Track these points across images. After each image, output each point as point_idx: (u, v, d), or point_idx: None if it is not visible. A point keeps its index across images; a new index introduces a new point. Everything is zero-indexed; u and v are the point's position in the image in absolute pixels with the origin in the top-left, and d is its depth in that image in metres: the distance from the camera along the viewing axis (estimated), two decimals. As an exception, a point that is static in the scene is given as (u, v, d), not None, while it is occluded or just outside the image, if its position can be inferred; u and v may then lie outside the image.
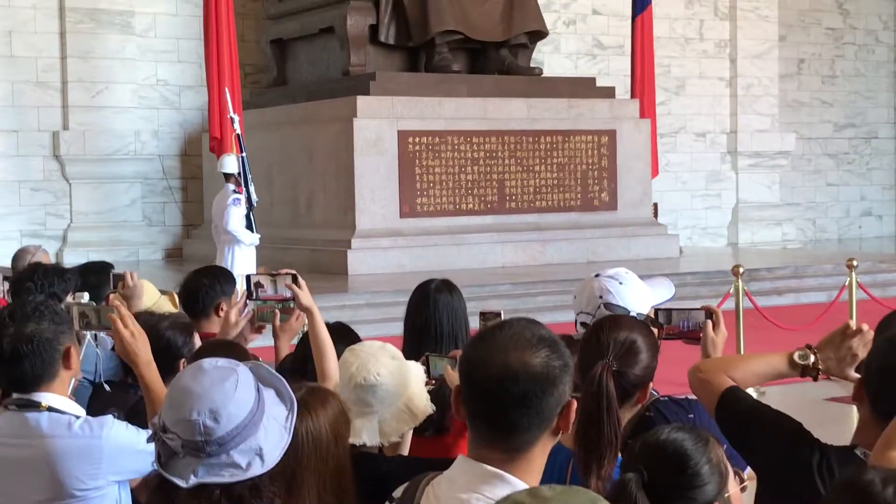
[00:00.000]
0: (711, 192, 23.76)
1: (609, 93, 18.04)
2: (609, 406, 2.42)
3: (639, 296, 3.34)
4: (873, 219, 27.04)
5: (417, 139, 16.01)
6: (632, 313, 3.20)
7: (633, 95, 18.56)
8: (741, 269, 9.77)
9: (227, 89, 14.16)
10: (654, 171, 18.46)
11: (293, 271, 3.96)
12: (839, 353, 2.71)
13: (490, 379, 2.09)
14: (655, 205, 18.76)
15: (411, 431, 3.11)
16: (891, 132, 27.10)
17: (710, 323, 3.24)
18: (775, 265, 16.86)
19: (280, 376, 2.27)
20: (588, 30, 22.38)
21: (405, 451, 3.11)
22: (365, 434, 2.92)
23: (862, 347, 2.68)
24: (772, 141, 24.04)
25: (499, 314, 3.94)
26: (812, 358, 2.74)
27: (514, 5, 17.20)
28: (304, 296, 3.82)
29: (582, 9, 22.32)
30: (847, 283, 10.24)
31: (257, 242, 12.25)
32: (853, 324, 2.74)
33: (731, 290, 9.80)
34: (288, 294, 3.87)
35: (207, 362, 2.21)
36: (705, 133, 23.71)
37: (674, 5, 23.07)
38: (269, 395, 2.22)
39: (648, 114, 18.32)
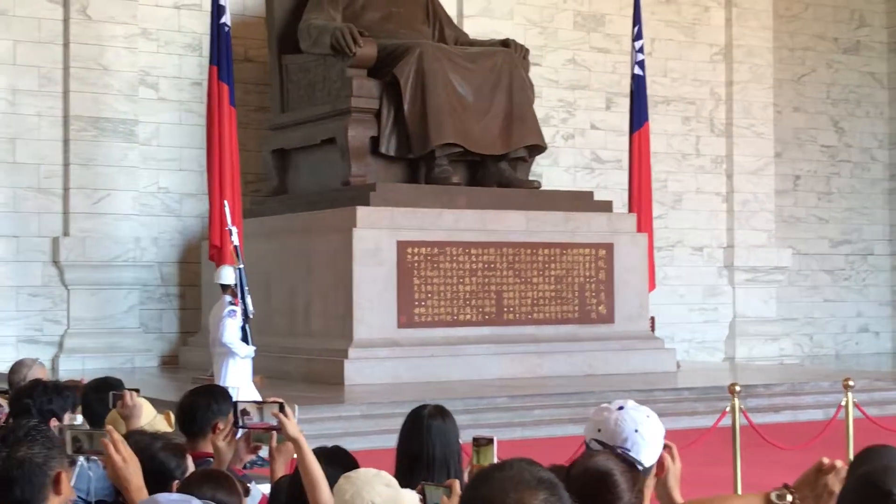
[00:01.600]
0: (708, 307, 23.81)
1: (606, 206, 18.19)
2: None
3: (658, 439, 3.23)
4: (870, 335, 27.04)
5: (416, 250, 16.10)
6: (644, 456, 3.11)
7: (630, 209, 18.72)
8: (737, 388, 9.74)
9: (226, 202, 14.28)
10: (651, 285, 18.52)
11: (280, 400, 3.96)
12: (815, 491, 2.71)
13: None
14: (653, 318, 18.77)
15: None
16: (886, 249, 27.26)
17: (667, 456, 3.21)
18: (772, 381, 16.81)
19: None
20: (586, 144, 22.67)
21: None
22: (360, 562, 2.90)
23: (838, 484, 2.68)
24: (768, 256, 24.18)
25: (491, 440, 3.92)
26: (789, 497, 2.74)
27: (514, 120, 17.44)
28: (291, 426, 3.80)
29: (580, 124, 22.64)
30: (844, 404, 10.21)
31: (253, 355, 12.25)
32: (827, 460, 2.74)
33: (728, 409, 9.76)
34: (274, 422, 3.85)
35: (163, 497, 2.19)
36: (702, 247, 23.85)
37: (671, 122, 23.41)
38: None
39: (645, 228, 18.44)
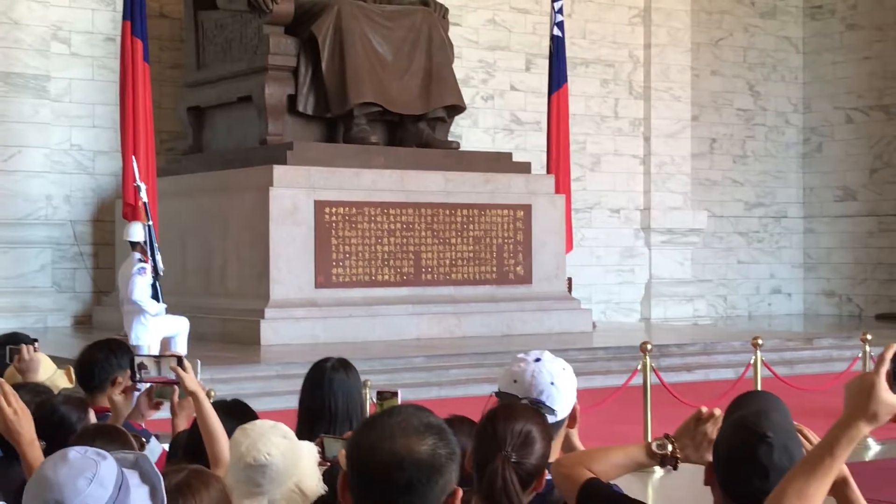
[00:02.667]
0: (625, 268, 24.06)
1: (525, 168, 18.24)
2: (510, 501, 2.42)
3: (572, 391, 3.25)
4: (783, 296, 27.55)
5: (334, 210, 16.01)
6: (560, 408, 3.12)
7: (548, 171, 18.79)
8: (649, 346, 9.86)
9: (133, 157, 14.06)
10: (569, 246, 18.65)
11: (178, 353, 3.91)
12: (695, 440, 2.74)
13: (376, 466, 2.08)
14: (570, 279, 18.92)
15: (306, 512, 3.06)
16: (799, 212, 27.74)
17: (578, 408, 3.24)
18: (685, 341, 17.04)
19: (160, 475, 2.21)
20: (506, 105, 22.68)
21: (300, 532, 3.06)
22: (254, 515, 2.88)
23: (715, 431, 2.72)
24: (684, 218, 24.46)
25: (395, 393, 3.92)
26: (670, 447, 2.77)
27: (433, 80, 17.38)
28: (189, 379, 3.76)
29: (500, 85, 22.64)
30: (752, 362, 10.39)
31: (163, 313, 12.11)
32: (705, 409, 2.77)
33: (640, 367, 9.88)
34: (172, 376, 3.81)
35: (75, 451, 2.15)
36: (619, 209, 24.05)
37: (590, 84, 23.51)
38: (139, 493, 2.16)
39: (563, 189, 18.53)
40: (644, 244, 24.26)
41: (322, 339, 15.31)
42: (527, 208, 17.67)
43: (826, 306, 27.47)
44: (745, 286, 26.87)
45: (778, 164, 27.35)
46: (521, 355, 3.21)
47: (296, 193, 15.77)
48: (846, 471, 2.40)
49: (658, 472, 8.58)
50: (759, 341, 10.48)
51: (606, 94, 23.87)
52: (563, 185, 18.63)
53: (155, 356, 3.95)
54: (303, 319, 15.54)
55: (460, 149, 18.26)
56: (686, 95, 24.58)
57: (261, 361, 13.97)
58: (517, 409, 2.83)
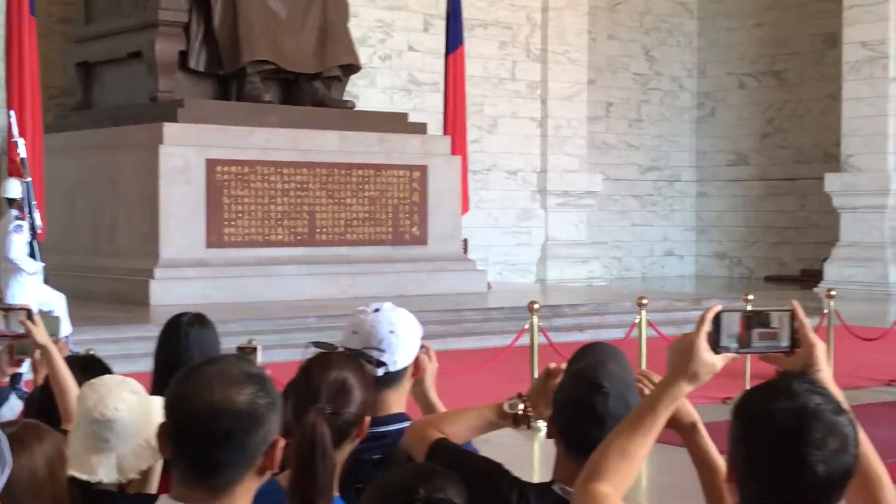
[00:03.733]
0: (522, 230, 24.22)
1: (421, 128, 18.20)
2: (324, 453, 2.40)
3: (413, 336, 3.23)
4: (675, 258, 28.01)
5: (226, 168, 15.81)
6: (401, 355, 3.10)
7: (445, 132, 18.77)
8: (537, 306, 9.94)
9: (12, 112, 13.69)
10: (465, 208, 18.69)
11: (28, 306, 3.82)
12: (546, 397, 2.75)
13: (193, 416, 2.05)
14: (465, 240, 18.98)
15: (160, 467, 3.02)
16: (693, 175, 28.17)
17: (424, 357, 3.23)
18: (578, 302, 17.23)
19: (3, 434, 2.15)
20: (403, 65, 22.59)
21: (153, 488, 3.01)
22: (101, 471, 2.82)
23: None
24: (580, 181, 24.69)
25: (255, 349, 3.87)
26: (521, 406, 2.78)
27: (328, 38, 17.21)
28: (39, 333, 3.68)
29: (397, 45, 22.53)
30: (637, 322, 10.54)
31: (41, 271, 11.84)
32: (553, 365, 2.79)
33: (527, 326, 9.96)
34: (21, 330, 3.72)
35: None
36: (516, 171, 24.17)
37: (487, 45, 23.51)
38: None
39: (460, 151, 18.54)
40: (540, 206, 24.43)
41: (213, 300, 15.12)
42: (423, 169, 17.64)
43: (717, 268, 28.01)
44: (639, 248, 27.26)
45: (672, 128, 27.72)
46: (361, 307, 3.19)
47: (186, 152, 15.52)
48: (696, 416, 2.43)
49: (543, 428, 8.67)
50: (645, 301, 10.62)
51: (504, 57, 23.90)
52: (459, 147, 18.63)
53: (3, 308, 3.85)
54: (194, 279, 15.34)
55: (356, 108, 18.14)
56: (583, 59, 24.73)
57: (150, 321, 13.75)
58: (332, 359, 2.80)
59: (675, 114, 27.76)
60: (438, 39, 20.78)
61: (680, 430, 2.41)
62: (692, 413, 2.41)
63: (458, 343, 14.36)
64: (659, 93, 27.42)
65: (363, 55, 19.46)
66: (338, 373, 2.73)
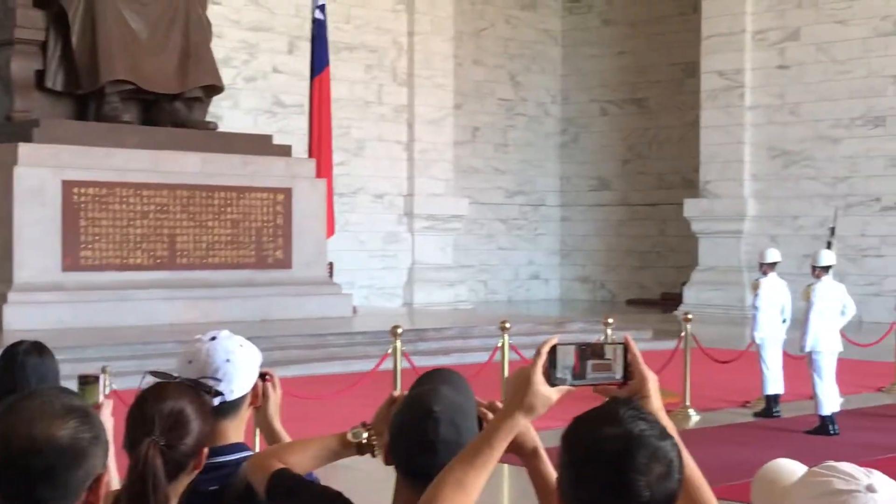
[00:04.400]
0: (388, 253, 24.20)
1: (286, 151, 18.06)
2: (156, 486, 2.32)
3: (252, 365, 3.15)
4: (541, 282, 28.33)
5: (83, 190, 15.42)
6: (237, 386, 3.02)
7: (310, 155, 18.66)
8: (400, 330, 9.90)
9: None
10: (330, 231, 18.59)
11: None
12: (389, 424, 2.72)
13: (13, 451, 1.97)
14: (331, 264, 18.87)
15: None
16: (557, 200, 28.56)
17: (267, 385, 3.17)
18: (443, 325, 17.26)
19: None
20: (268, 87, 22.41)
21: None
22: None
23: None
24: (446, 205, 24.80)
25: (97, 378, 3.74)
26: (365, 434, 2.75)
27: (190, 58, 16.97)
28: None
29: (262, 66, 22.35)
30: (500, 345, 10.59)
31: None
32: (396, 393, 2.76)
33: (391, 351, 9.91)
34: None
35: None
36: (383, 195, 24.16)
37: (353, 68, 23.49)
38: None
39: (325, 173, 18.45)
40: (407, 230, 24.47)
41: (69, 324, 14.73)
42: (287, 192, 17.50)
43: (581, 292, 28.42)
44: (504, 272, 27.50)
45: (537, 153, 28.09)
46: (197, 336, 3.11)
47: (42, 172, 15.10)
48: (538, 442, 2.42)
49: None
50: (507, 325, 10.68)
51: (370, 80, 23.91)
52: (324, 170, 18.54)
53: None
54: (49, 304, 14.90)
55: (219, 130, 17.90)
56: (449, 83, 24.90)
57: (2, 347, 13.30)
58: (168, 389, 2.72)
59: (540, 139, 28.13)
60: (303, 61, 20.68)
61: (522, 455, 2.40)
62: (535, 439, 2.40)
63: (322, 368, 14.25)
64: (524, 118, 27.76)
65: (226, 76, 19.25)
66: (174, 403, 2.64)
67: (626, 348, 2.17)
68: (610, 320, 11.67)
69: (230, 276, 16.87)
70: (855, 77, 22.25)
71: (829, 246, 13.23)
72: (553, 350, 2.15)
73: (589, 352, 2.16)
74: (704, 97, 24.26)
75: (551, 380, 2.13)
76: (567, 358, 2.15)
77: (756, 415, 11.37)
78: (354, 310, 18.52)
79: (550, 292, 28.43)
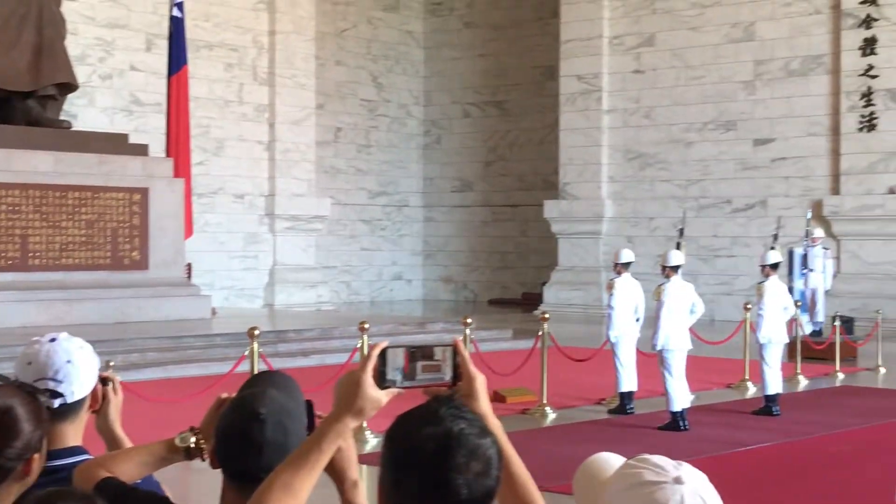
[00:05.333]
0: (249, 254, 23.97)
1: (142, 150, 17.74)
2: None
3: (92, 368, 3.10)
4: (404, 283, 28.41)
5: (-71, 190, 14.90)
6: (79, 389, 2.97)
7: (168, 154, 18.38)
8: (257, 332, 9.83)
9: None
10: (189, 231, 18.33)
11: None
12: None
13: None
14: (189, 265, 18.60)
15: None
16: (420, 201, 28.69)
17: (108, 389, 3.13)
18: (304, 327, 17.18)
19: None
20: (125, 85, 21.99)
21: None
22: None
23: None
24: (308, 205, 24.69)
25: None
26: (193, 439, 2.74)
27: (44, 55, 16.53)
28: None
29: (119, 64, 21.91)
30: (359, 346, 10.61)
31: None
32: (224, 395, 2.76)
33: (247, 353, 9.83)
34: None
35: None
36: (244, 195, 23.93)
37: (213, 67, 23.21)
38: None
39: (183, 173, 18.18)
40: (268, 230, 24.28)
41: (-86, 329, 14.23)
42: (144, 192, 17.18)
43: (444, 292, 28.60)
44: (368, 272, 27.49)
45: (400, 154, 28.16)
46: (36, 338, 3.05)
47: None
48: (357, 475, 2.43)
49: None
50: (367, 326, 10.69)
51: (231, 79, 23.66)
52: (183, 169, 18.27)
53: None
54: None
55: (74, 129, 17.49)
56: (311, 83, 24.79)
57: None
58: None
59: (402, 140, 28.21)
60: (161, 59, 20.35)
61: (340, 484, 2.40)
62: (356, 470, 2.41)
63: (180, 370, 14.06)
64: (387, 119, 27.81)
65: (82, 74, 18.83)
66: (2, 402, 2.58)
67: (456, 350, 2.20)
68: (469, 320, 11.78)
69: (85, 278, 16.51)
70: (707, 82, 22.90)
71: (678, 246, 13.61)
72: (383, 352, 2.17)
73: (419, 354, 2.19)
74: (563, 100, 24.67)
75: (382, 382, 2.15)
76: (397, 360, 2.17)
77: (611, 412, 11.61)
78: (213, 311, 18.30)
79: (413, 293, 28.53)
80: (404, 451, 1.90)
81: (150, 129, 21.36)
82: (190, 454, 2.74)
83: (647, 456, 1.83)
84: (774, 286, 11.77)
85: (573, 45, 24.40)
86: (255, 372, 9.84)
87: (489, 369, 11.86)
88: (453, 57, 28.31)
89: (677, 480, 1.75)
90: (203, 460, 2.72)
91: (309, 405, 2.57)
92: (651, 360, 11.53)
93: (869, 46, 21.08)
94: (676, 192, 23.21)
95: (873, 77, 21.01)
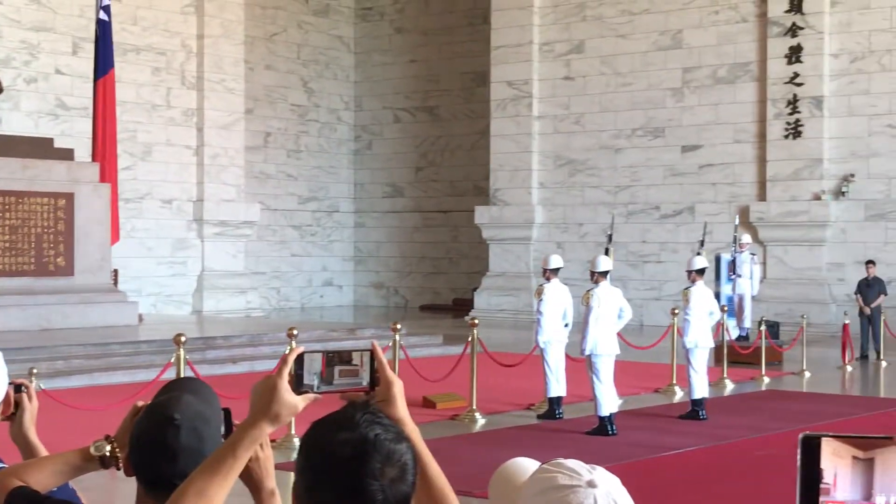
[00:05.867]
0: (177, 260, 23.73)
1: (67, 154, 17.48)
2: None
3: None
4: (334, 289, 28.30)
5: None
6: None
7: (94, 159, 18.13)
8: (184, 338, 9.71)
9: None
10: (116, 237, 18.09)
11: None
12: None
13: None
14: (116, 271, 18.37)
15: None
16: (351, 206, 28.61)
17: (23, 396, 3.07)
18: (232, 333, 17.04)
19: None
20: (51, 89, 21.67)
21: None
22: None
23: None
24: (237, 211, 24.50)
25: None
26: (108, 447, 2.70)
27: (-35, 57, 16.24)
28: None
29: (44, 67, 21.59)
30: (288, 352, 10.52)
31: None
32: (140, 403, 2.72)
33: (173, 360, 9.71)
34: None
35: None
36: (172, 200, 23.69)
37: (141, 71, 22.96)
38: None
39: (110, 178, 17.95)
40: (197, 236, 24.05)
41: None
42: (69, 197, 16.94)
43: (375, 298, 28.54)
44: (298, 278, 27.35)
45: (331, 159, 28.07)
46: None
47: None
48: (273, 484, 2.40)
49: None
50: (296, 332, 10.62)
51: (158, 83, 23.41)
52: (110, 174, 18.03)
53: None
54: None
55: (-3, 133, 17.20)
56: (240, 88, 24.62)
57: None
58: None
59: (333, 145, 28.12)
60: (88, 63, 20.09)
61: (256, 494, 2.38)
62: (272, 479, 2.39)
63: (106, 378, 13.87)
64: (317, 124, 27.70)
65: (6, 77, 18.53)
66: None
67: (373, 354, 2.18)
68: (399, 326, 11.74)
69: (8, 284, 16.22)
70: (636, 89, 23.10)
71: (606, 252, 13.69)
72: (300, 357, 2.15)
73: (336, 358, 2.17)
74: (494, 106, 24.75)
75: (298, 388, 2.13)
76: (314, 365, 2.15)
77: (540, 417, 11.64)
78: (140, 318, 18.08)
79: (344, 299, 28.44)
80: (319, 457, 1.88)
81: (76, 134, 21.07)
82: (105, 463, 2.69)
83: (561, 460, 1.83)
84: (700, 291, 11.90)
85: (504, 51, 24.49)
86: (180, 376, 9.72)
87: (419, 375, 11.85)
88: (384, 62, 28.28)
89: (590, 484, 1.75)
90: (118, 469, 2.67)
91: (227, 413, 2.53)
92: (580, 365, 11.58)
93: (794, 54, 21.41)
94: (606, 198, 23.38)
95: (798, 85, 21.34)
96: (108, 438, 2.69)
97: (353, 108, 28.54)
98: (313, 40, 27.37)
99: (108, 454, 2.67)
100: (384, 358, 2.19)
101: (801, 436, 1.43)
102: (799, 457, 1.43)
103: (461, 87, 27.17)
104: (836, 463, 1.41)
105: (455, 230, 27.28)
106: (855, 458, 1.39)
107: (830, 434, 1.42)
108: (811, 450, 1.43)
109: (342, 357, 2.17)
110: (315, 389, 2.15)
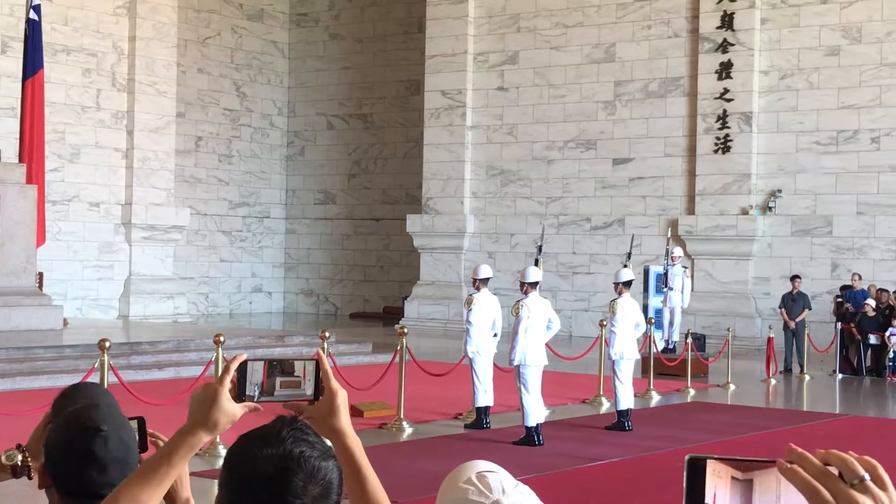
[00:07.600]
0: (104, 263, 23.43)
1: (-7, 155, 17.19)
2: None
3: None
4: (264, 295, 28.12)
5: None
6: None
7: (21, 160, 17.84)
8: (108, 344, 9.58)
9: None
10: (41, 240, 17.82)
11: None
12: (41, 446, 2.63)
13: None
14: (41, 274, 18.08)
15: None
16: (282, 213, 28.45)
17: None
18: (159, 339, 16.85)
19: None
20: (-23, 88, 21.31)
21: None
22: None
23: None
24: (167, 215, 24.25)
25: None
26: (20, 456, 2.64)
27: None
28: None
29: (-28, 65, 21.23)
30: (214, 359, 10.43)
31: None
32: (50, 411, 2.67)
33: (97, 365, 9.57)
34: None
35: None
36: (100, 203, 23.39)
37: (71, 72, 22.65)
38: None
39: (37, 180, 17.67)
40: (125, 240, 23.77)
41: None
42: (-6, 198, 16.64)
43: (305, 305, 28.39)
44: (227, 284, 27.13)
45: (262, 165, 27.90)
46: None
47: None
48: (189, 493, 2.38)
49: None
50: (222, 339, 10.52)
51: (89, 84, 23.12)
52: (37, 176, 17.75)
53: None
54: None
55: (-80, 131, 16.86)
56: (171, 91, 24.38)
57: None
58: None
59: (265, 151, 27.96)
60: (17, 63, 19.78)
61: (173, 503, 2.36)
62: (187, 488, 2.37)
63: (29, 382, 13.65)
64: (250, 129, 27.53)
65: (-70, 74, 18.17)
66: None
67: (318, 364, 2.16)
68: (328, 334, 11.68)
69: (-71, 286, 15.90)
70: (568, 101, 23.26)
71: (536, 263, 13.74)
72: (243, 366, 2.11)
73: (278, 368, 2.13)
74: (428, 115, 24.76)
75: (240, 396, 2.10)
76: (255, 374, 2.12)
77: (467, 426, 11.65)
78: (65, 322, 17.80)
79: (274, 305, 28.26)
80: (243, 472, 1.85)
81: (4, 134, 20.72)
82: (16, 472, 2.63)
83: (487, 473, 1.81)
84: (627, 303, 11.99)
85: (438, 60, 24.53)
86: (105, 384, 9.58)
87: (347, 383, 11.78)
88: (318, 68, 28.19)
89: None
90: (29, 478, 2.61)
91: (141, 422, 2.50)
92: (508, 375, 11.61)
93: (725, 70, 21.70)
94: (537, 209, 23.50)
95: (728, 100, 21.63)
96: (19, 447, 2.63)
97: (286, 113, 28.41)
98: (247, 45, 27.21)
99: (19, 463, 2.61)
100: (329, 368, 2.17)
101: (687, 457, 1.45)
102: (685, 478, 1.44)
103: (395, 95, 27.17)
104: (715, 482, 1.43)
105: (387, 238, 27.24)
106: (734, 478, 1.41)
107: (716, 456, 1.44)
108: (697, 471, 1.45)
109: (284, 367, 2.14)
110: (255, 399, 2.12)
